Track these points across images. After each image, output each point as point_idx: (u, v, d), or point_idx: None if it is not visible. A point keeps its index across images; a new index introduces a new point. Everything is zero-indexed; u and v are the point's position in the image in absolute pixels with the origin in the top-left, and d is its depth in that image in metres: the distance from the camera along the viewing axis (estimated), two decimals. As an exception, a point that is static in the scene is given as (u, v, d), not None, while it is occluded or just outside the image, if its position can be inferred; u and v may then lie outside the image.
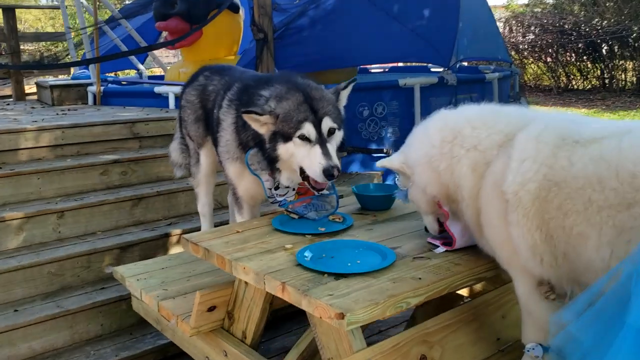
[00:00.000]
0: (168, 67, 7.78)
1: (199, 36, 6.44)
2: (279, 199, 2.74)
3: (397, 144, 6.38)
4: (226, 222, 3.95)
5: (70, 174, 4.48)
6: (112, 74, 8.82)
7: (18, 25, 7.89)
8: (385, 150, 5.98)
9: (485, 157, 2.03)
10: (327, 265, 2.12)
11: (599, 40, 15.47)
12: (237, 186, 2.93)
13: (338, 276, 2.03)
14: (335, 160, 2.53)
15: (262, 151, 2.61)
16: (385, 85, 6.12)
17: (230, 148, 2.80)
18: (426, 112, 6.57)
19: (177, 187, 4.60)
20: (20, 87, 7.47)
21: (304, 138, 2.53)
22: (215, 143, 2.96)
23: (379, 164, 2.48)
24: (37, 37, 8.73)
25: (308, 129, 2.52)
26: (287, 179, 2.67)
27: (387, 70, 9.93)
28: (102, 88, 6.72)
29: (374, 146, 6.10)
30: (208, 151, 3.36)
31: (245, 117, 2.53)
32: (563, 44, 16.06)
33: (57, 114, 5.67)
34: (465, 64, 8.58)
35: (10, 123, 4.94)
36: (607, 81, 15.98)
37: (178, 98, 3.55)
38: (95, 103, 6.74)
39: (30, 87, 8.73)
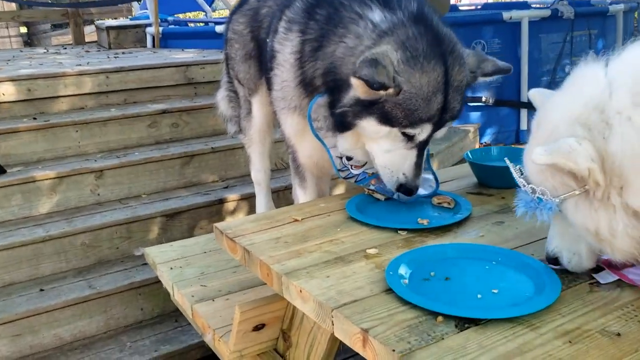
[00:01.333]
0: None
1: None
2: (354, 171, 1.91)
3: (499, 92, 5.40)
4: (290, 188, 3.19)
5: (114, 126, 3.84)
6: (176, 16, 8.16)
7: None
8: (483, 99, 4.99)
9: None
10: (440, 297, 1.30)
11: None
12: (297, 149, 2.12)
13: (462, 323, 1.21)
14: (419, 179, 1.80)
15: (333, 104, 1.77)
16: (487, 20, 5.07)
17: (287, 92, 1.96)
18: (535, 51, 5.50)
19: (236, 143, 3.83)
20: (79, 30, 6.92)
21: (408, 136, 1.73)
22: (270, 86, 2.13)
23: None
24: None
25: (424, 131, 1.73)
26: (349, 151, 1.85)
27: (479, 7, 8.71)
28: (160, 29, 6.04)
29: (468, 93, 5.11)
30: (263, 99, 2.54)
31: (354, 80, 1.65)
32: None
33: (108, 58, 5.04)
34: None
35: (51, 67, 4.34)
36: None
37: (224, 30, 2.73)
38: (154, 46, 6.08)
39: (91, 33, 8.23)
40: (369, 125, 1.70)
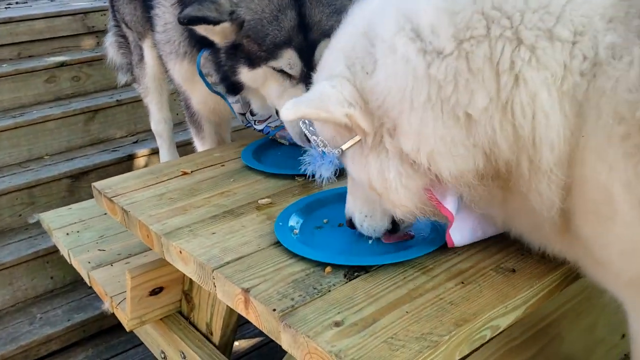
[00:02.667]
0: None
1: None
2: (257, 126, 1.77)
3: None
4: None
5: (6, 83, 3.51)
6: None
7: None
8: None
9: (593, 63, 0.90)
10: (331, 246, 1.21)
11: None
12: (189, 95, 1.94)
13: (352, 272, 1.12)
14: None
15: (217, 62, 1.60)
16: None
17: (172, 36, 1.78)
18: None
19: (145, 94, 3.61)
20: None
21: (282, 72, 1.56)
22: (152, 27, 1.92)
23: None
24: None
25: (290, 59, 1.53)
26: (259, 108, 1.70)
27: None
28: (58, -25, 5.54)
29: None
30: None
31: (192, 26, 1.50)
32: None
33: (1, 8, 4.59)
34: None
35: None
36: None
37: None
38: (52, -6, 5.59)
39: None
40: (244, 75, 1.56)
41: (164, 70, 2.46)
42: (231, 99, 1.76)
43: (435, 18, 0.94)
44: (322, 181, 1.13)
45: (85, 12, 4.06)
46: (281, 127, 1.79)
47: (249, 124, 1.82)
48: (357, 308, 1.00)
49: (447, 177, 0.99)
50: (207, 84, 1.72)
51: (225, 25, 1.46)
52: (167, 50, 1.82)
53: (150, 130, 3.67)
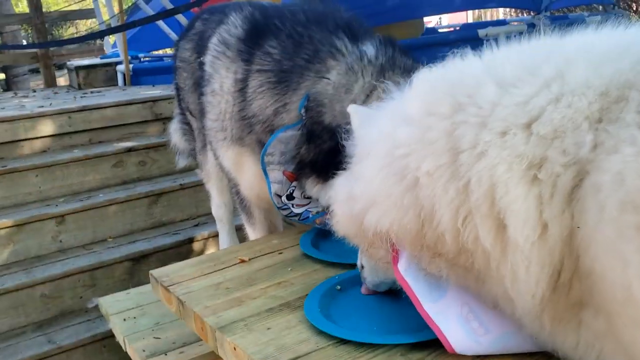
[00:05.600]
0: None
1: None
2: (296, 210, 1.72)
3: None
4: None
5: (76, 167, 3.66)
6: (152, 54, 8.04)
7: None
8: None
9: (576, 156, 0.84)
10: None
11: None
12: (238, 181, 1.93)
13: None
14: None
15: (313, 144, 1.59)
16: (462, 38, 4.96)
17: (228, 124, 1.79)
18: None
19: (206, 178, 3.67)
20: (49, 72, 6.77)
21: None
22: (203, 112, 1.93)
23: None
24: (64, 15, 8.03)
25: None
26: (318, 192, 1.67)
27: (458, 28, 8.65)
28: (131, 66, 5.90)
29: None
30: None
31: None
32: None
33: (74, 98, 4.88)
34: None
35: (11, 110, 4.17)
36: None
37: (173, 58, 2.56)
38: (125, 84, 5.93)
39: (65, 75, 8.11)
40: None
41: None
42: (275, 179, 1.72)
43: (417, 93, 1.03)
44: None
45: (154, 100, 4.25)
46: (322, 213, 1.74)
47: (285, 207, 1.76)
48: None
49: (371, 229, 1.02)
50: (263, 162, 1.70)
51: None
52: (220, 137, 1.83)
53: (210, 213, 3.70)
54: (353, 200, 1.07)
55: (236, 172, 1.88)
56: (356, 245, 1.19)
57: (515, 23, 8.65)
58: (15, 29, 9.06)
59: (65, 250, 3.32)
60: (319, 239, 1.68)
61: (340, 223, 1.13)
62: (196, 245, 3.38)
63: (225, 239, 2.68)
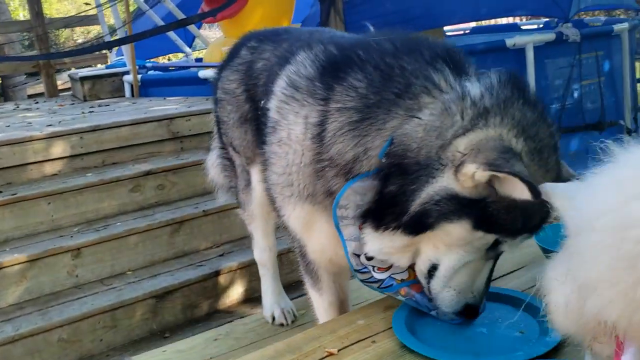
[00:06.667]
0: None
1: (242, 4, 5.20)
2: (377, 275, 1.46)
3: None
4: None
5: (91, 193, 3.41)
6: (154, 60, 7.78)
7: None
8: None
9: None
10: None
11: None
12: (306, 243, 1.68)
13: None
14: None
15: (393, 195, 1.33)
16: (489, 48, 4.74)
17: (297, 178, 1.53)
18: (542, 78, 5.17)
19: (231, 203, 3.40)
20: (51, 81, 6.50)
21: (497, 244, 1.31)
22: (266, 165, 1.67)
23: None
24: (66, 22, 7.72)
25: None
26: (388, 256, 1.42)
27: (467, 32, 8.43)
28: (139, 77, 5.64)
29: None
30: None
31: (479, 173, 1.21)
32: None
33: (83, 113, 4.61)
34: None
35: (19, 130, 3.91)
36: None
37: (212, 88, 2.30)
38: (132, 95, 5.68)
39: (64, 82, 7.83)
40: (459, 228, 1.27)
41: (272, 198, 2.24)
42: (351, 236, 1.47)
43: None
44: None
45: (171, 118, 4.01)
46: (412, 281, 1.48)
47: (364, 269, 1.49)
48: None
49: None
50: (335, 217, 1.45)
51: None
52: (286, 194, 1.57)
53: (236, 240, 3.48)
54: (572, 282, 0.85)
55: (304, 232, 1.62)
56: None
57: (527, 27, 8.46)
58: (15, 39, 8.76)
59: (82, 286, 3.07)
60: (414, 319, 1.42)
61: (556, 311, 0.90)
62: (224, 279, 3.14)
63: (269, 286, 2.43)
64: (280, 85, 1.56)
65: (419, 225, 1.28)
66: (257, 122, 1.99)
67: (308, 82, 1.50)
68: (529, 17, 8.60)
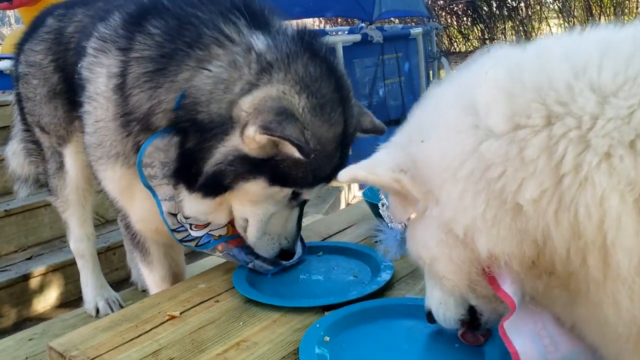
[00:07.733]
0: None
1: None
2: (194, 233, 1.46)
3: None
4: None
5: None
6: None
7: None
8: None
9: None
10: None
11: (478, 1, 15.20)
12: (128, 212, 1.60)
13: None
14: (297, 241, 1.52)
15: (191, 153, 1.32)
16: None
17: (105, 136, 1.45)
18: (351, 77, 5.46)
19: (38, 201, 3.11)
20: None
21: (296, 195, 1.42)
22: (83, 128, 1.57)
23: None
24: None
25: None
26: (204, 216, 1.44)
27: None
28: None
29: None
30: (78, 147, 1.91)
31: (258, 136, 1.25)
32: (443, 7, 15.66)
33: None
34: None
35: None
36: (487, 42, 15.86)
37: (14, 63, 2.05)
38: None
39: None
40: (256, 186, 1.32)
41: (88, 178, 2.07)
42: (165, 195, 1.44)
43: (492, 95, 0.89)
44: (390, 256, 1.11)
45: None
46: (230, 237, 1.50)
47: (180, 228, 1.48)
48: None
49: (485, 254, 0.91)
50: (142, 176, 1.40)
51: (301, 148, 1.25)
52: (98, 154, 1.48)
53: (46, 242, 3.18)
54: (448, 231, 0.94)
55: (124, 199, 1.54)
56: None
57: (334, 33, 8.96)
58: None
59: None
60: (254, 276, 1.44)
61: (439, 258, 0.99)
62: (34, 283, 2.85)
63: (90, 279, 2.25)
64: (91, 42, 1.47)
65: (217, 186, 1.32)
66: (68, 95, 1.84)
67: (112, 31, 1.45)
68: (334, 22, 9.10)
